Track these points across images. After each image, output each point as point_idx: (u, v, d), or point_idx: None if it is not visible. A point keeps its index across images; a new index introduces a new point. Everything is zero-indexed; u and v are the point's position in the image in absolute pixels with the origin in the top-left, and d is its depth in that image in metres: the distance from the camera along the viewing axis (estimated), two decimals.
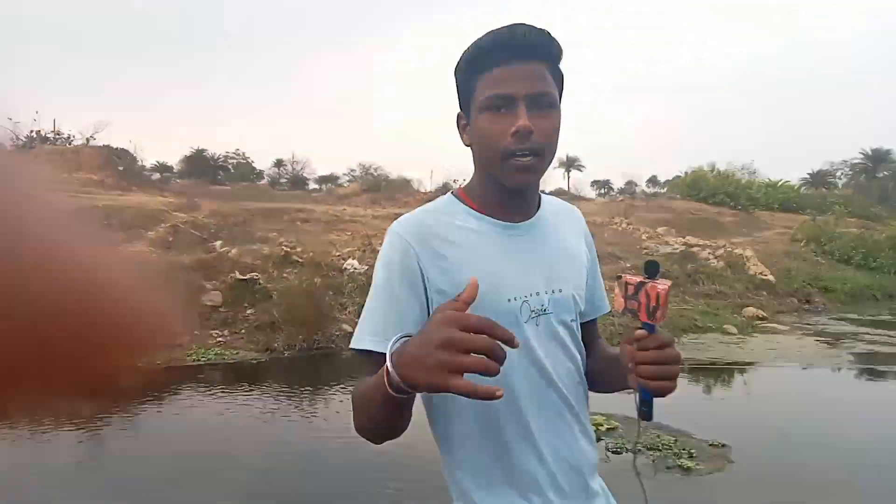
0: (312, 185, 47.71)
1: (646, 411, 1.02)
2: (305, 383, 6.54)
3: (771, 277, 14.61)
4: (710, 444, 4.80)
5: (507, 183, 1.07)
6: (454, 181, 25.39)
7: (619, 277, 1.04)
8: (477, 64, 1.05)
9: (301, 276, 9.04)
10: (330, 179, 50.28)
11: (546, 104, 1.04)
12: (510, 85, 1.01)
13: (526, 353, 1.06)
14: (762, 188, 28.29)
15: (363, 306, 1.10)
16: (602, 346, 1.28)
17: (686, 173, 30.33)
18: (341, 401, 5.93)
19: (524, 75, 1.02)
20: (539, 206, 1.17)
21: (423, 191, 29.67)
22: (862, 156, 47.15)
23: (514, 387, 1.06)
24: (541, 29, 1.03)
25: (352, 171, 44.91)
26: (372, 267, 6.56)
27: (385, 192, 24.87)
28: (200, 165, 38.76)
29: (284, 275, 9.28)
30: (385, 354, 0.87)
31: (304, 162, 54.50)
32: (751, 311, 12.13)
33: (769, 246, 18.50)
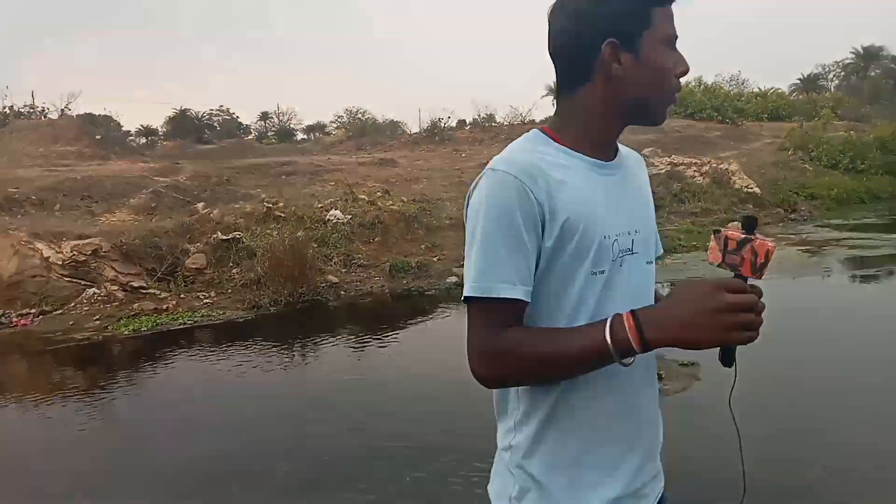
0: (301, 136, 47.16)
1: (730, 360, 1.07)
2: (293, 336, 6.70)
3: (757, 189, 14.63)
4: (681, 364, 4.96)
5: (655, 120, 1.12)
6: (441, 119, 25.09)
7: (717, 232, 1.07)
8: None
9: (284, 230, 9.10)
10: (317, 128, 49.61)
11: None
12: (675, 25, 1.07)
13: (625, 288, 1.10)
14: (751, 99, 27.92)
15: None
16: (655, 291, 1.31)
17: None
18: (327, 351, 6.11)
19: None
20: (617, 149, 1.20)
21: (410, 132, 29.34)
22: (853, 55, 46.25)
23: None
24: None
25: (339, 117, 44.25)
26: (355, 215, 6.62)
27: (370, 138, 24.58)
28: (185, 125, 38.21)
29: (267, 231, 9.35)
30: (520, 301, 1.02)
31: (289, 112, 53.69)
32: (735, 224, 12.17)
33: (757, 157, 18.43)
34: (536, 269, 1.05)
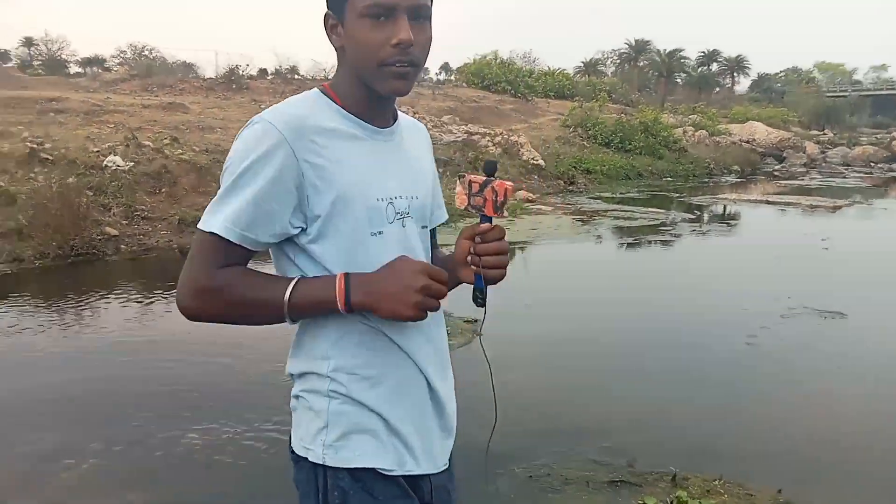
0: (75, 70, 41.81)
1: (482, 299, 1.14)
2: (62, 293, 6.06)
3: (542, 162, 15.88)
4: (465, 321, 5.32)
5: (381, 90, 1.09)
6: (239, 67, 23.69)
7: (462, 177, 1.12)
8: None
9: (52, 175, 8.11)
10: (95, 62, 44.33)
11: (424, 16, 1.08)
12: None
13: (403, 248, 1.13)
14: (540, 76, 29.96)
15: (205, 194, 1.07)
16: (437, 253, 1.36)
17: (474, 61, 31.10)
18: (100, 310, 5.62)
19: None
20: (395, 116, 1.21)
21: (206, 76, 27.33)
22: (627, 45, 51.55)
23: None
24: None
25: (122, 52, 39.77)
26: (139, 163, 6.08)
27: (157, 78, 22.51)
28: None
29: (31, 176, 8.27)
30: (241, 247, 1.04)
31: (60, 41, 47.33)
32: (522, 193, 13.20)
33: (543, 132, 19.94)
34: (312, 231, 1.08)
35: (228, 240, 1.04)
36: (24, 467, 3.10)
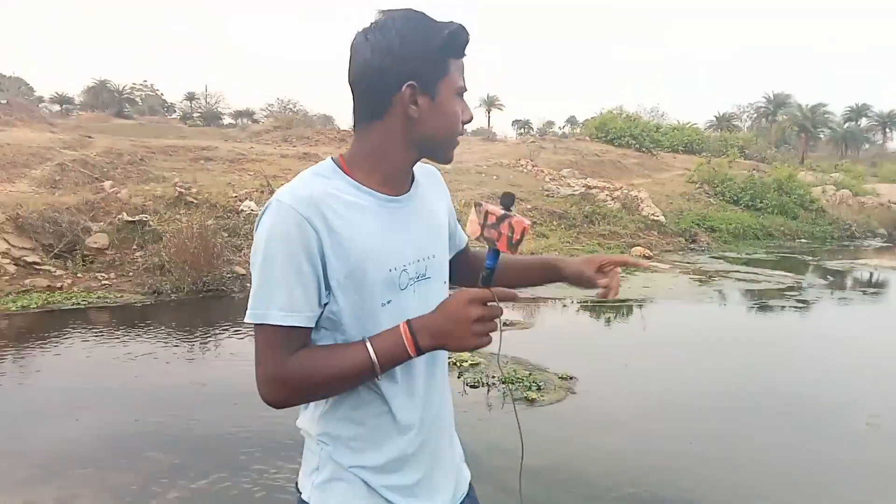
0: (228, 121, 46.02)
1: (487, 278, 1.15)
2: (193, 324, 6.65)
3: (662, 218, 15.45)
4: (560, 377, 5.27)
5: (443, 160, 1.21)
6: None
7: (479, 205, 1.15)
8: (454, 48, 1.16)
9: (194, 217, 8.97)
10: (246, 114, 48.57)
11: None
12: (464, 78, 1.19)
13: (415, 313, 1.17)
14: (668, 131, 29.34)
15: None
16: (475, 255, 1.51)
17: (600, 114, 31.05)
18: (223, 341, 6.10)
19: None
20: (413, 179, 1.28)
21: (341, 128, 29.12)
22: (765, 99, 49.35)
23: None
24: None
25: (269, 105, 43.44)
26: None
27: (297, 130, 24.29)
28: (104, 97, 36.58)
29: (177, 217, 9.18)
30: (297, 328, 1.09)
31: (217, 95, 52.34)
32: (638, 249, 12.90)
33: (667, 187, 19.44)
34: (330, 299, 1.14)
35: (290, 326, 1.09)
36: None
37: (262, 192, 10.75)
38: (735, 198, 18.81)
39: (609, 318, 7.98)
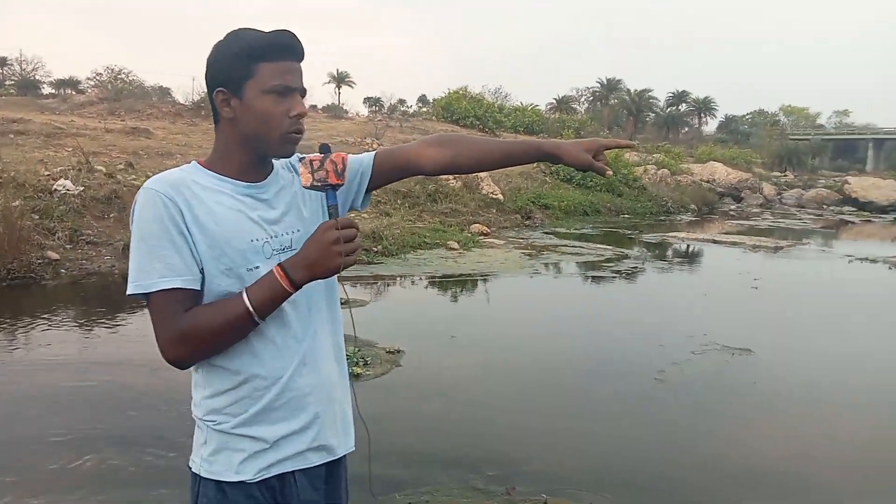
0: (48, 91, 41.68)
1: (334, 214, 1.27)
2: None
3: (500, 196, 16.18)
4: (388, 352, 5.46)
5: (278, 153, 1.35)
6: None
7: (302, 158, 1.28)
8: (260, 52, 1.28)
9: None
10: (69, 84, 44.28)
11: (304, 95, 1.36)
12: (291, 79, 1.30)
13: None
14: (511, 112, 30.58)
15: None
16: (409, 149, 1.56)
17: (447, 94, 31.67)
18: (42, 332, 5.67)
19: (299, 73, 1.33)
20: (272, 169, 1.42)
21: (178, 102, 27.40)
22: (599, 84, 52.82)
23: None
24: (299, 38, 1.33)
25: (98, 75, 39.80)
26: (89, 187, 6.23)
27: (126, 102, 22.57)
28: None
29: None
30: (180, 289, 1.23)
31: (35, 62, 47.31)
32: (477, 227, 13.45)
33: None
34: (204, 266, 1.27)
35: (173, 288, 1.23)
36: None
37: (80, 170, 9.95)
38: (568, 176, 20.05)
39: (442, 293, 8.31)
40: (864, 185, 26.70)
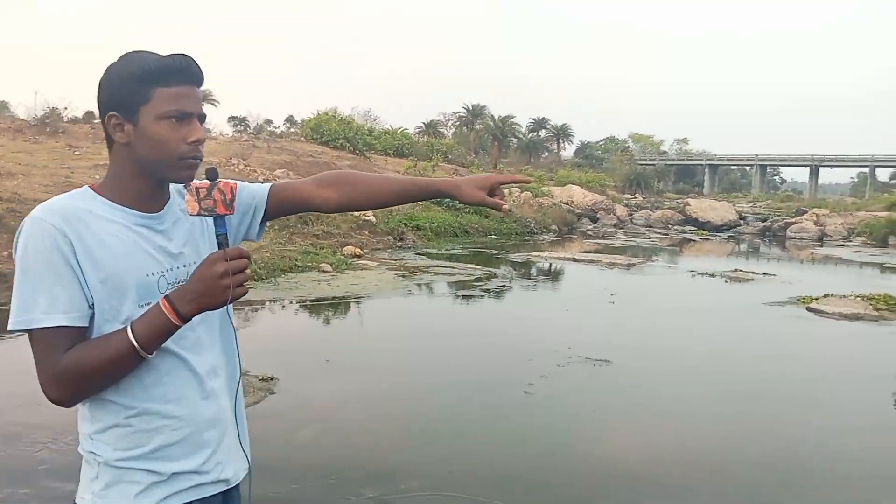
0: None
1: (225, 244, 1.24)
2: None
3: (372, 218, 16.26)
4: (261, 379, 5.34)
5: (175, 178, 1.29)
6: (57, 109, 22.15)
7: (188, 185, 1.22)
8: (155, 79, 1.23)
9: None
10: None
11: (203, 121, 1.32)
12: (188, 104, 1.26)
13: None
14: (380, 134, 30.86)
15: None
16: (297, 187, 1.55)
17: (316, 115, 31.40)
18: None
19: (196, 98, 1.29)
20: (168, 198, 1.36)
21: (18, 118, 25.18)
22: (465, 110, 54.59)
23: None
24: (197, 62, 1.29)
25: None
26: None
27: None
28: None
29: None
30: (64, 327, 1.17)
31: None
32: (350, 249, 13.43)
33: None
34: (94, 300, 1.22)
35: (55, 326, 1.17)
36: None
37: None
38: (439, 199, 20.51)
39: (315, 316, 8.24)
40: (702, 207, 29.43)
